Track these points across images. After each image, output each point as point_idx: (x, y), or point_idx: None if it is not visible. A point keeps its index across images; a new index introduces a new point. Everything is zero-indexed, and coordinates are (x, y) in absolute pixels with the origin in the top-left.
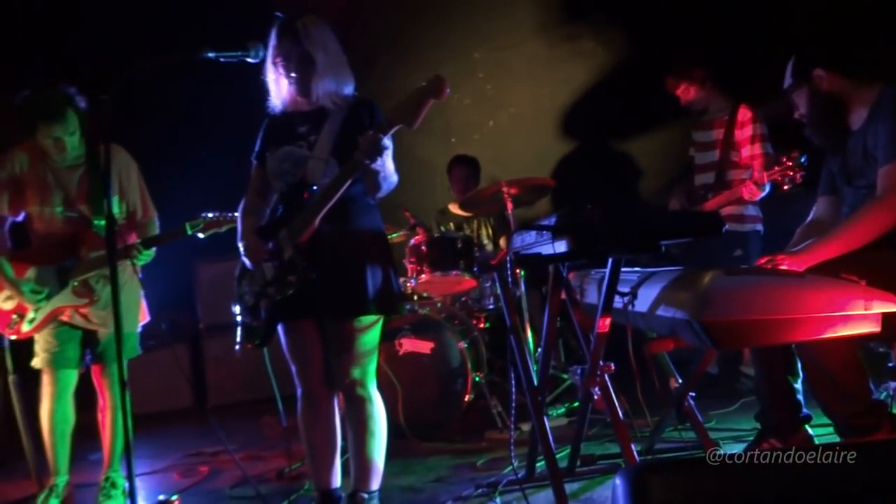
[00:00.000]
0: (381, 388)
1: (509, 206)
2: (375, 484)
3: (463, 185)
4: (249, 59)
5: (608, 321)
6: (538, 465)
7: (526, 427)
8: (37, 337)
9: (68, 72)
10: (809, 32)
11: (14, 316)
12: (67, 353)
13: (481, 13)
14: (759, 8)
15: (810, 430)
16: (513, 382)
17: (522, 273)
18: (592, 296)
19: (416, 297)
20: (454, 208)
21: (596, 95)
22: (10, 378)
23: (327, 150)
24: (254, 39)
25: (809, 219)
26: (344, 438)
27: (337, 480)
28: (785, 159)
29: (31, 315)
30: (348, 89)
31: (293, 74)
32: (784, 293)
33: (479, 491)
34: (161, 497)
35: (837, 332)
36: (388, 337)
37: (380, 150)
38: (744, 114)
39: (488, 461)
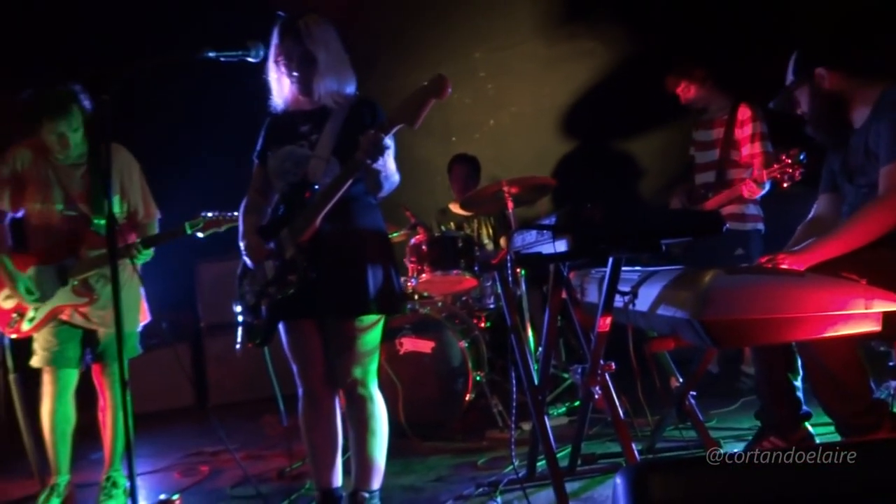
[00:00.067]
0: (381, 387)
1: (510, 205)
2: (376, 483)
3: (463, 184)
4: (250, 59)
5: (609, 320)
6: (539, 464)
7: (527, 426)
8: (36, 336)
9: (68, 71)
10: (810, 31)
11: (14, 315)
12: (67, 353)
13: (482, 13)
14: (759, 6)
15: (810, 428)
16: (513, 381)
17: (523, 272)
18: (593, 295)
19: (416, 297)
20: (455, 207)
21: (596, 95)
22: (11, 377)
23: (329, 150)
24: (254, 39)
25: (810, 216)
26: (345, 438)
27: (338, 480)
28: (784, 157)
29: (31, 314)
30: (350, 88)
31: (295, 73)
32: (784, 292)
33: (480, 490)
34: (162, 496)
35: (838, 331)
36: (388, 336)
37: (381, 150)
38: (744, 112)
39: (489, 460)
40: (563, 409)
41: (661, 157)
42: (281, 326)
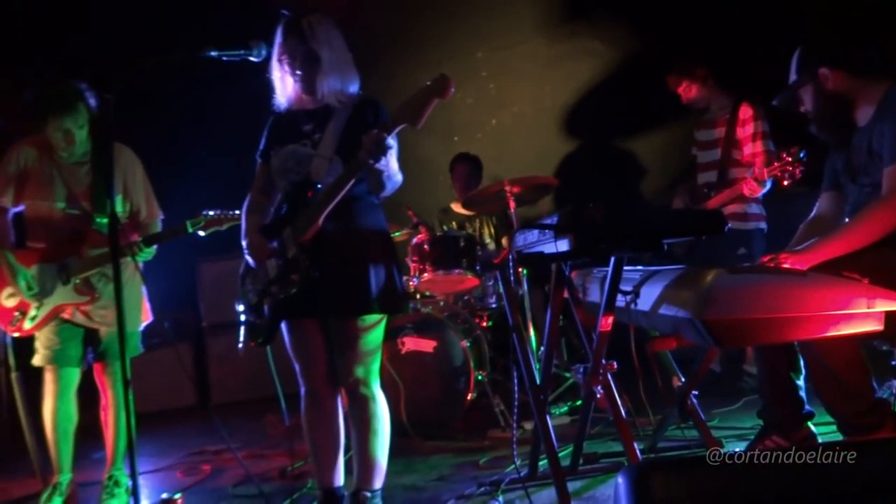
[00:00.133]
0: (383, 386)
1: (512, 204)
2: (378, 482)
3: (464, 183)
4: (252, 59)
5: (611, 320)
6: (541, 463)
7: (528, 425)
8: (38, 334)
9: (70, 71)
10: (811, 30)
11: (16, 313)
12: (69, 351)
13: (483, 12)
14: (760, 5)
15: (813, 428)
16: (515, 381)
17: (525, 272)
18: (595, 294)
19: (418, 296)
20: (457, 207)
21: (598, 94)
22: (13, 375)
23: (331, 149)
24: (256, 39)
25: (812, 215)
26: (347, 437)
27: (340, 479)
28: (785, 155)
29: (32, 312)
30: (353, 87)
31: (298, 72)
32: (786, 292)
33: (482, 489)
34: (164, 495)
35: (840, 331)
36: (390, 335)
37: (383, 150)
38: (745, 111)
39: (491, 460)
40: (565, 408)
41: (662, 157)
42: (283, 325)
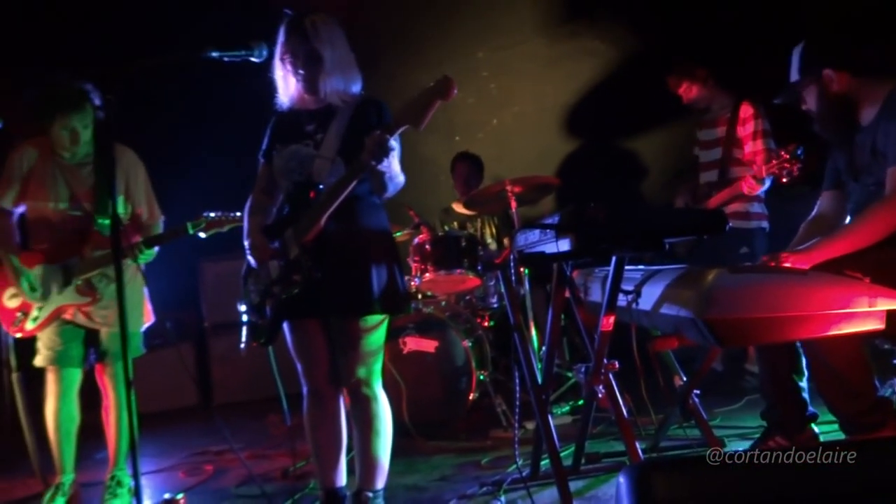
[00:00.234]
0: (385, 386)
1: (513, 204)
2: (380, 482)
3: (465, 182)
4: (253, 59)
5: (612, 319)
6: (543, 463)
7: (530, 425)
8: (40, 335)
9: (71, 71)
10: (812, 29)
11: (18, 314)
12: (71, 352)
13: (484, 12)
14: (760, 5)
15: (816, 430)
16: (517, 381)
17: (526, 271)
18: (596, 294)
19: (420, 296)
20: (458, 207)
21: (599, 93)
22: (14, 376)
23: (334, 150)
24: (257, 39)
25: (813, 214)
26: (349, 437)
27: (342, 479)
28: (782, 152)
29: (34, 313)
30: (356, 87)
31: (301, 72)
32: (788, 291)
33: (484, 489)
34: (166, 496)
35: (842, 330)
36: (392, 336)
37: (386, 151)
38: (746, 110)
39: (493, 460)
40: (567, 408)
41: (663, 156)
42: (285, 326)
